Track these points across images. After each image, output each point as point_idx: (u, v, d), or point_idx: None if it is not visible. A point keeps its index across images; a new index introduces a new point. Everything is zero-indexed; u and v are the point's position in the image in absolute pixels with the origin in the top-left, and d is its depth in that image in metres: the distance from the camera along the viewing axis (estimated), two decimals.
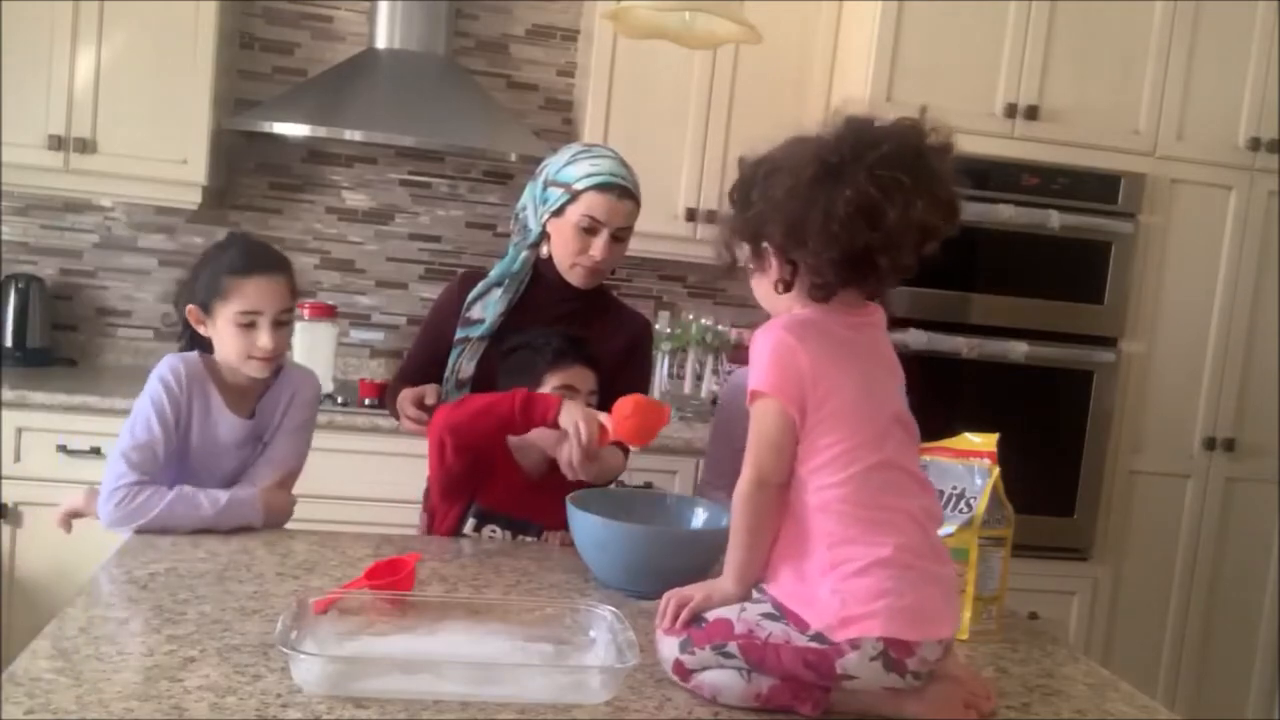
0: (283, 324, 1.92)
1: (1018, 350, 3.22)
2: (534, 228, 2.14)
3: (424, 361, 2.22)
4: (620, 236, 2.11)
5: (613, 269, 2.18)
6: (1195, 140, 3.36)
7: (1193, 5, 3.30)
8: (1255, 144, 3.37)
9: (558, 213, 2.09)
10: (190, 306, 1.93)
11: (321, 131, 3.26)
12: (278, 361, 1.96)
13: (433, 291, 3.71)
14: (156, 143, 3.20)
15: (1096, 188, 3.27)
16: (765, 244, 1.34)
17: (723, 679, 1.32)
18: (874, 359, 1.36)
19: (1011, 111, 3.24)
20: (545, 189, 2.12)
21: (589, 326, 2.14)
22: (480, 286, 2.18)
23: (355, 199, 3.68)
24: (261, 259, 1.93)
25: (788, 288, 1.34)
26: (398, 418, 2.19)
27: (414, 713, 1.22)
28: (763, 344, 1.32)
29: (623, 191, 2.07)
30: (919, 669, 1.26)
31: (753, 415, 1.33)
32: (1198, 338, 3.42)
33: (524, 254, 2.16)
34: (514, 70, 3.71)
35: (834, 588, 1.26)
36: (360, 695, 1.24)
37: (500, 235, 3.74)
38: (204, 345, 1.98)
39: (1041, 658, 1.63)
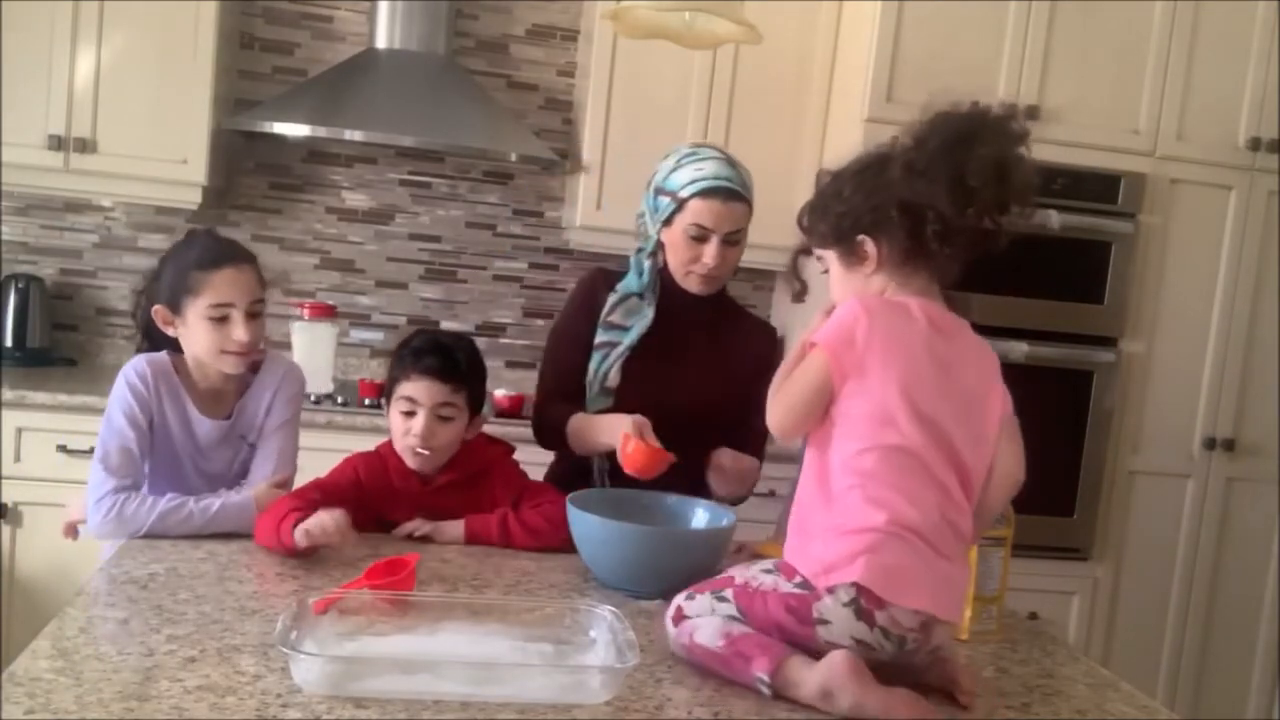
0: (254, 315, 1.90)
1: (1018, 350, 3.22)
2: (652, 235, 2.10)
3: (571, 370, 2.13)
4: (733, 240, 2.04)
5: (733, 274, 2.13)
6: (1195, 140, 3.36)
7: (1193, 5, 3.30)
8: (1255, 144, 3.37)
9: (667, 222, 2.05)
10: (157, 307, 1.90)
11: (321, 131, 3.26)
12: (252, 356, 1.94)
13: (433, 291, 3.72)
14: (156, 143, 3.20)
15: (1096, 188, 3.27)
16: (861, 235, 1.43)
17: (704, 621, 1.40)
18: (943, 371, 1.39)
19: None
20: (656, 197, 2.08)
21: (720, 336, 2.12)
22: (621, 291, 2.12)
23: (355, 199, 3.68)
24: (228, 251, 1.92)
25: (902, 262, 1.42)
26: (563, 446, 2.10)
27: (414, 713, 1.22)
28: (841, 308, 1.43)
29: (729, 194, 2.01)
30: (889, 628, 1.30)
31: (804, 361, 1.42)
32: (1198, 338, 3.42)
33: (646, 263, 2.11)
34: (514, 70, 3.71)
35: (825, 542, 1.34)
36: (360, 695, 1.24)
37: (500, 235, 3.75)
38: (163, 348, 1.96)
39: (1041, 658, 1.63)
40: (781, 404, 1.43)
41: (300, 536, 1.69)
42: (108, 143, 3.19)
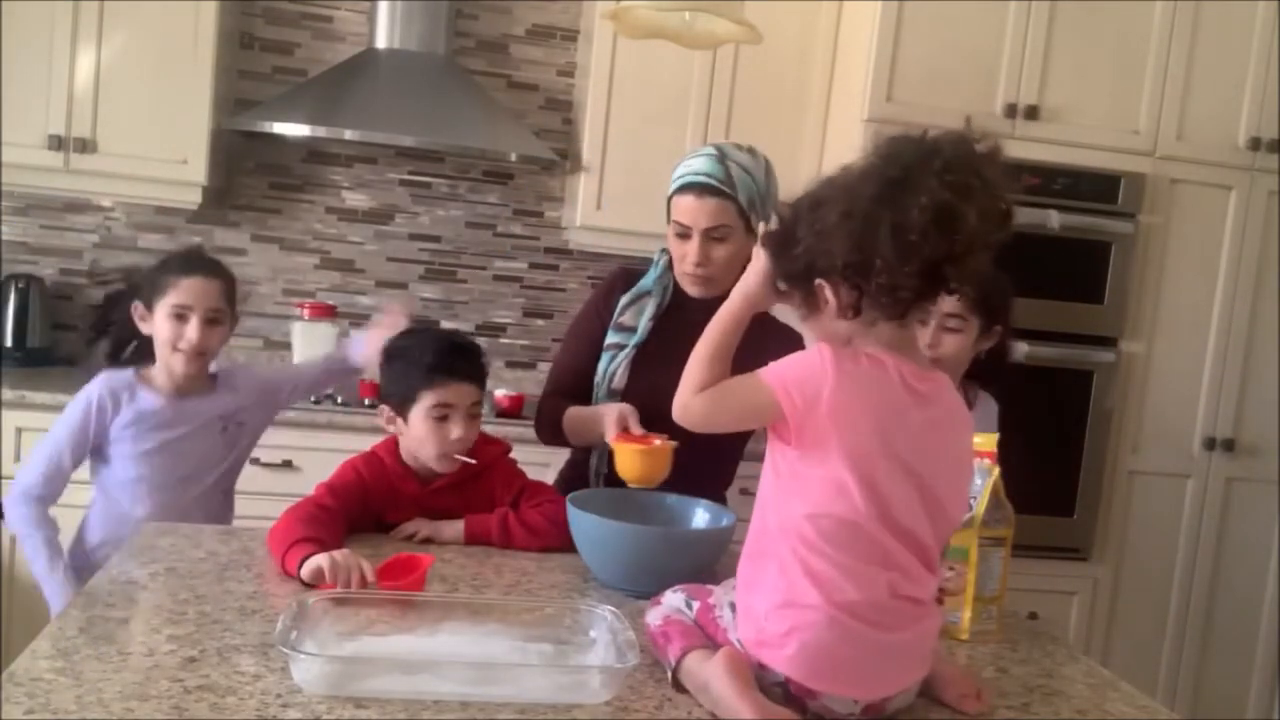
0: (211, 322, 2.10)
1: (1018, 350, 3.21)
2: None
3: (578, 368, 2.14)
4: (717, 237, 1.98)
5: (736, 275, 2.07)
6: (1195, 140, 3.36)
7: (1193, 5, 3.30)
8: (1255, 144, 3.37)
9: (668, 221, 2.05)
10: (136, 303, 2.12)
11: (321, 131, 3.26)
12: (203, 359, 2.13)
13: (433, 291, 3.72)
14: (156, 143, 3.20)
15: (1096, 188, 3.27)
16: (819, 280, 1.30)
17: (663, 604, 1.45)
18: (913, 441, 1.27)
19: (1011, 111, 3.24)
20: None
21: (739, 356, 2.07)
22: (633, 292, 2.12)
23: (355, 199, 3.68)
24: (199, 263, 2.16)
25: (856, 312, 1.28)
26: (559, 440, 2.11)
27: (414, 713, 1.22)
28: (809, 352, 1.31)
29: (703, 189, 1.97)
30: (823, 714, 1.27)
31: (754, 384, 1.32)
32: (1198, 338, 3.42)
33: (662, 260, 2.11)
34: (514, 70, 3.71)
35: (767, 609, 1.28)
36: (360, 695, 1.24)
37: (500, 235, 3.75)
38: (123, 353, 2.18)
39: (1041, 658, 1.63)
40: (710, 402, 1.37)
41: (308, 575, 1.60)
42: (108, 143, 3.19)
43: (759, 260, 1.40)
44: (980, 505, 1.65)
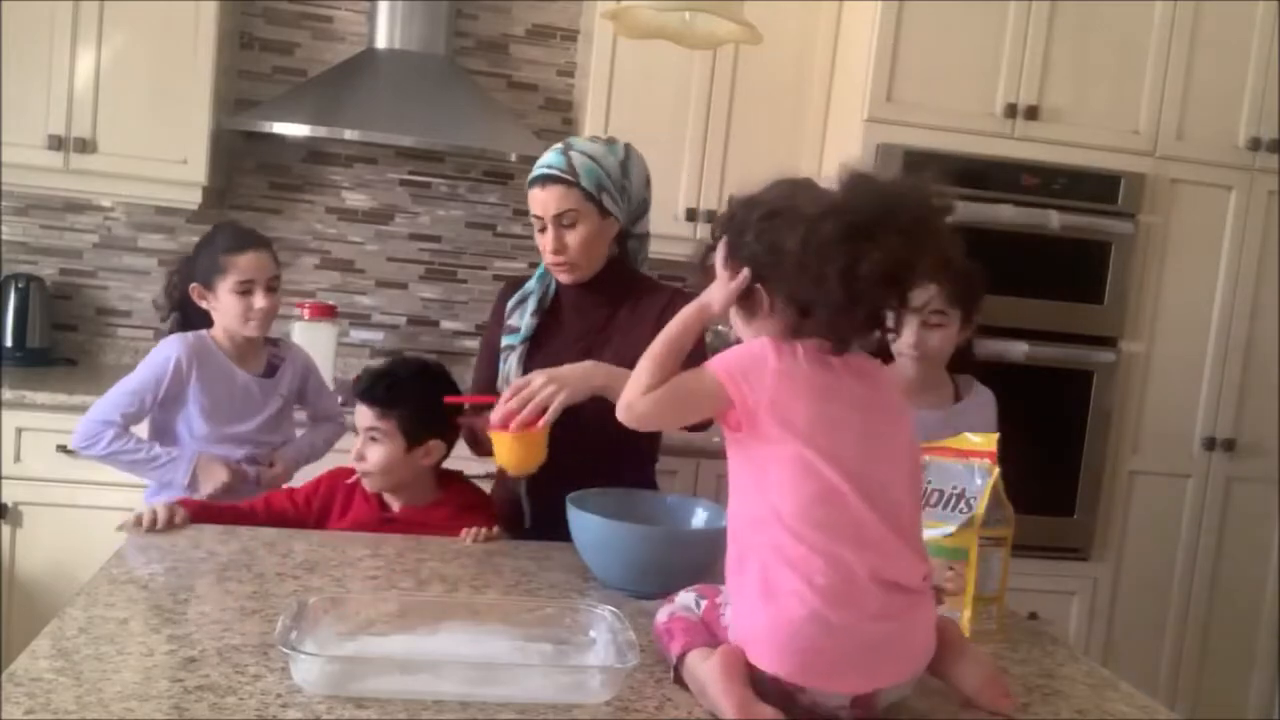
0: (271, 289, 2.31)
1: (1018, 350, 3.22)
2: None
3: (485, 380, 2.18)
4: (567, 223, 2.02)
5: (600, 260, 2.08)
6: (1195, 140, 3.36)
7: (1192, 5, 3.30)
8: (1255, 144, 3.37)
9: None
10: (194, 285, 2.30)
11: (321, 131, 3.26)
12: (270, 322, 2.34)
13: (433, 291, 3.72)
14: (156, 143, 3.20)
15: (1096, 188, 3.27)
16: (759, 287, 1.34)
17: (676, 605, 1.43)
18: (859, 410, 1.32)
19: (1011, 111, 3.24)
20: None
21: (616, 323, 2.08)
22: (518, 295, 2.17)
23: (355, 199, 3.68)
24: (250, 238, 2.36)
25: (797, 334, 1.32)
26: (477, 448, 2.14)
27: (414, 713, 1.22)
28: (750, 341, 1.37)
29: (546, 179, 2.02)
30: (812, 708, 1.26)
31: (698, 373, 1.35)
32: (1198, 338, 3.42)
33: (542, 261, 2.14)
34: (514, 70, 3.71)
35: (749, 607, 1.29)
36: (360, 695, 1.24)
37: (500, 235, 3.75)
38: (192, 324, 2.36)
39: (1041, 658, 1.63)
40: (656, 399, 1.36)
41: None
42: (108, 143, 3.19)
43: (723, 281, 1.40)
44: (980, 505, 1.65)
